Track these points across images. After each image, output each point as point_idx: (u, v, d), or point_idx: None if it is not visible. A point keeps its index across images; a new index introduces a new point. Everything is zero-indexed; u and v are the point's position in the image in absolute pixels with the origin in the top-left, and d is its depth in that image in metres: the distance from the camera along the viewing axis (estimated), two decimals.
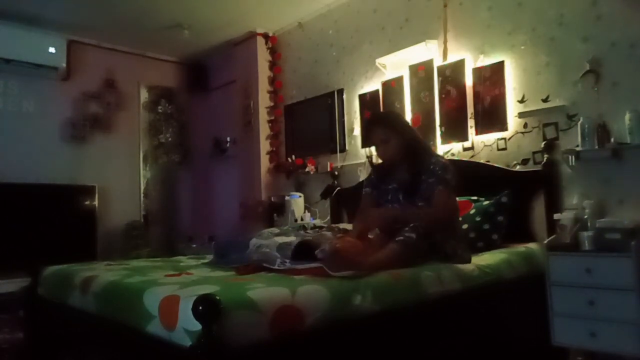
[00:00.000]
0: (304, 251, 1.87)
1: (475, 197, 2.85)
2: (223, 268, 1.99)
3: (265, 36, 4.85)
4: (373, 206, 2.40)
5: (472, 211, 2.73)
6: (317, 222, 3.87)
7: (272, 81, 4.85)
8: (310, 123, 4.49)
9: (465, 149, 3.27)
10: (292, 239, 2.06)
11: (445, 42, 3.40)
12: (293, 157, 4.50)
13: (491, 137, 3.14)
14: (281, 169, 4.68)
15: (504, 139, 3.07)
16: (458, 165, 3.06)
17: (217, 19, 4.56)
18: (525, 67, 3.00)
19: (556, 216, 2.54)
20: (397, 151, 2.29)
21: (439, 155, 2.34)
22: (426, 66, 3.49)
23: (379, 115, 2.43)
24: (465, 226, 2.65)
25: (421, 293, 1.81)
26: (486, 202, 2.75)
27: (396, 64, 3.72)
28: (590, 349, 2.22)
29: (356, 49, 4.08)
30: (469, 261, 2.14)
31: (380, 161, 2.46)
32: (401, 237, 1.96)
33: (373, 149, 2.40)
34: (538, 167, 2.86)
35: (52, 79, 4.71)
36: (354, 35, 4.11)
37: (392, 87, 3.73)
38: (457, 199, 2.77)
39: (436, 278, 1.89)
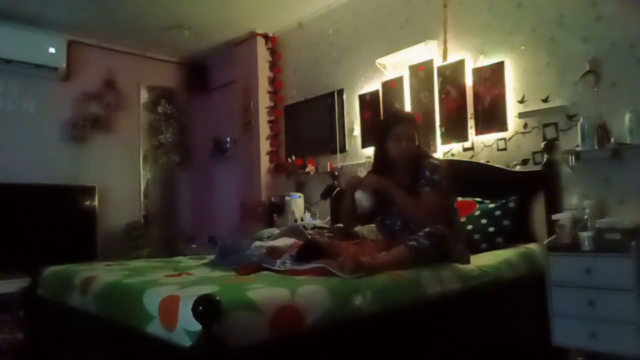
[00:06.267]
0: (308, 251, 1.88)
1: (479, 199, 2.85)
2: (223, 268, 1.99)
3: (265, 36, 4.85)
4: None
5: (477, 212, 2.73)
6: (317, 222, 3.87)
7: (272, 81, 4.85)
8: (310, 123, 4.49)
9: (465, 149, 3.27)
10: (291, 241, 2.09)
11: (445, 43, 3.40)
12: (293, 157, 4.50)
13: (491, 138, 3.14)
14: (281, 169, 4.68)
15: (504, 139, 3.08)
16: (457, 166, 3.11)
17: (217, 19, 4.56)
18: (525, 68, 3.00)
19: (556, 216, 2.54)
20: (415, 152, 2.30)
21: (434, 157, 2.35)
22: (426, 66, 3.50)
23: (411, 113, 2.45)
24: (469, 227, 2.65)
25: (421, 293, 1.80)
26: (491, 205, 2.75)
27: (396, 64, 3.72)
28: (590, 349, 2.22)
29: (356, 49, 4.08)
30: (468, 262, 2.14)
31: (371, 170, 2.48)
32: (414, 242, 1.94)
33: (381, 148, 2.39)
34: (538, 168, 2.86)
35: (52, 79, 4.72)
36: (354, 35, 4.11)
37: (392, 87, 3.73)
38: (460, 199, 2.79)
39: (436, 278, 1.89)
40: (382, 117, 3.64)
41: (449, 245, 2.05)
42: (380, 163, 2.41)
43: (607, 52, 2.64)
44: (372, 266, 1.79)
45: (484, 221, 2.67)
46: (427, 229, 1.99)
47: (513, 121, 3.03)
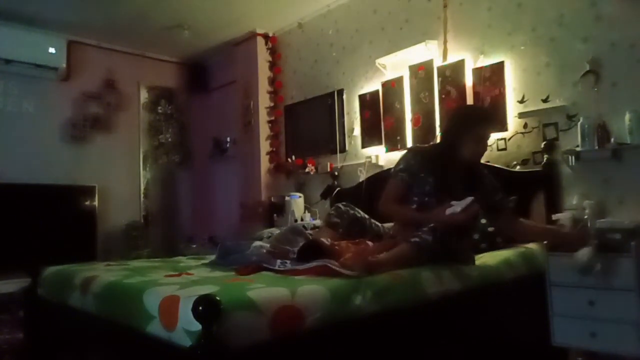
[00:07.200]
0: (308, 250, 1.88)
1: None
2: (223, 268, 1.99)
3: (265, 36, 4.85)
4: (405, 194, 2.20)
5: None
6: (317, 222, 3.87)
7: (272, 81, 4.85)
8: (310, 123, 4.49)
9: None
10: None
11: (445, 43, 3.40)
12: (293, 157, 4.50)
13: (491, 137, 3.12)
14: (281, 169, 4.68)
15: (504, 139, 3.07)
16: None
17: (217, 19, 4.56)
18: (525, 68, 3.00)
19: (556, 216, 2.54)
20: None
21: None
22: (426, 66, 3.49)
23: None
24: None
25: (421, 293, 1.80)
26: None
27: (396, 65, 3.72)
28: (590, 349, 2.22)
29: (356, 49, 4.08)
30: (473, 262, 2.14)
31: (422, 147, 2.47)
32: (416, 239, 1.93)
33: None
34: (538, 168, 2.86)
35: (52, 79, 4.72)
36: (354, 35, 4.11)
37: (392, 87, 3.73)
38: None
39: (436, 278, 1.89)
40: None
41: (457, 242, 2.04)
42: (446, 156, 2.21)
43: (607, 52, 2.64)
44: (380, 265, 1.79)
45: (483, 221, 2.67)
46: (432, 224, 1.98)
47: (513, 121, 3.03)
